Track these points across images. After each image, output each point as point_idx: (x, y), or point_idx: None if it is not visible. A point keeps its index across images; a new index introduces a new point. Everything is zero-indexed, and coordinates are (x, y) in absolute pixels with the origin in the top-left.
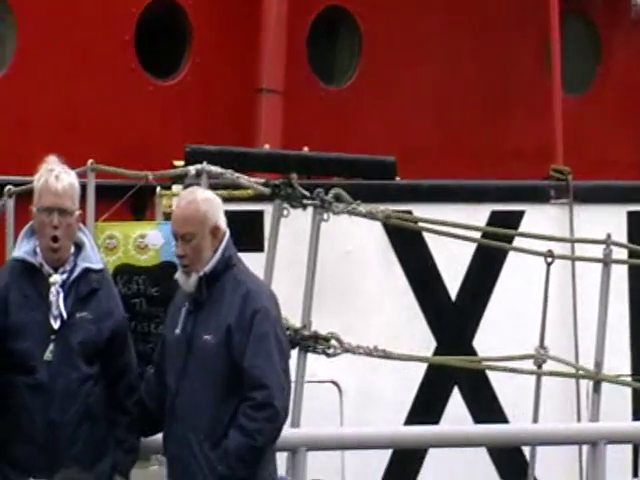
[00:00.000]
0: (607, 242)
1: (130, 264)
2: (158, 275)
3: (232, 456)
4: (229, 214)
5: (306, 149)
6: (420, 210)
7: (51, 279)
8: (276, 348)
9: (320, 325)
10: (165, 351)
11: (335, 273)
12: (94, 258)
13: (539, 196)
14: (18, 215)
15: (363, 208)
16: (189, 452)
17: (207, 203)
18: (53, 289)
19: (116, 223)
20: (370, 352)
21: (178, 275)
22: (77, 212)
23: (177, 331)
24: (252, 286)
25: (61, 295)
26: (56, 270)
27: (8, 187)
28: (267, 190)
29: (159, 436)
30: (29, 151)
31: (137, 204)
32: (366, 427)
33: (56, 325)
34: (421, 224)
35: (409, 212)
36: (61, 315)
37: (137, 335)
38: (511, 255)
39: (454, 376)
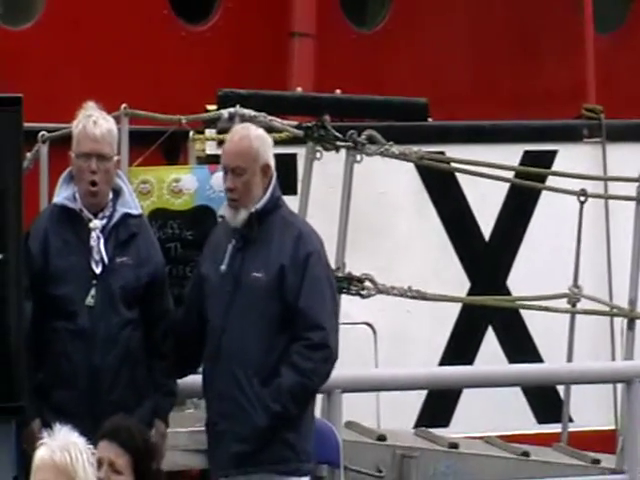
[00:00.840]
0: None
1: (164, 208)
2: (193, 219)
3: (286, 395)
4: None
5: (338, 92)
6: (452, 151)
7: (91, 224)
8: (329, 290)
9: (354, 267)
10: (204, 289)
11: (368, 215)
12: (132, 204)
13: (572, 135)
14: (52, 161)
15: (396, 149)
16: (238, 389)
17: (260, 140)
18: (94, 234)
19: (150, 168)
20: (404, 293)
21: (224, 210)
22: (115, 157)
23: (223, 267)
24: (303, 228)
25: (101, 240)
26: (95, 216)
27: (42, 133)
28: (300, 132)
29: (194, 379)
30: (62, 98)
31: (170, 149)
32: (401, 368)
33: (97, 270)
34: (454, 165)
35: (441, 153)
36: (102, 260)
37: (172, 279)
38: (544, 194)
39: (488, 316)
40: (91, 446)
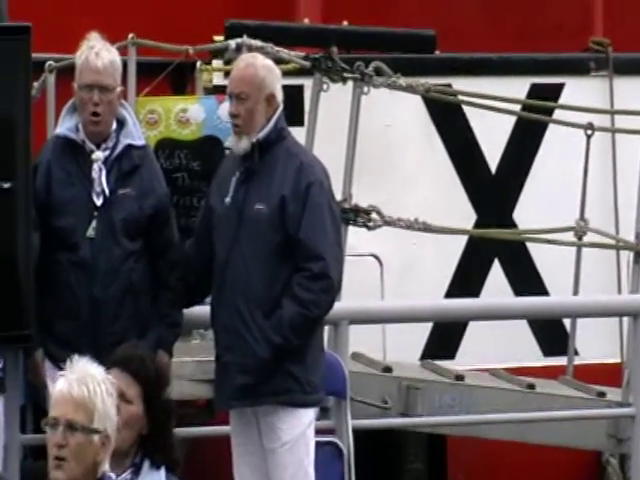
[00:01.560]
0: None
1: (171, 138)
2: (200, 149)
3: (287, 326)
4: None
5: (346, 23)
6: (459, 83)
7: (93, 155)
8: (330, 220)
9: (360, 198)
10: (212, 221)
11: (375, 147)
12: (136, 134)
13: (579, 68)
14: (59, 91)
15: (403, 81)
16: (241, 321)
17: (266, 69)
18: (95, 166)
19: (157, 98)
20: (411, 225)
21: (230, 140)
22: (118, 88)
23: (227, 200)
24: (305, 159)
25: (103, 172)
26: (98, 147)
27: (48, 63)
28: (307, 64)
29: (200, 310)
30: (70, 27)
31: (177, 79)
32: (407, 300)
33: (99, 202)
34: (461, 97)
35: (449, 85)
36: (103, 192)
37: (179, 210)
38: (551, 127)
39: (494, 249)
40: (110, 376)
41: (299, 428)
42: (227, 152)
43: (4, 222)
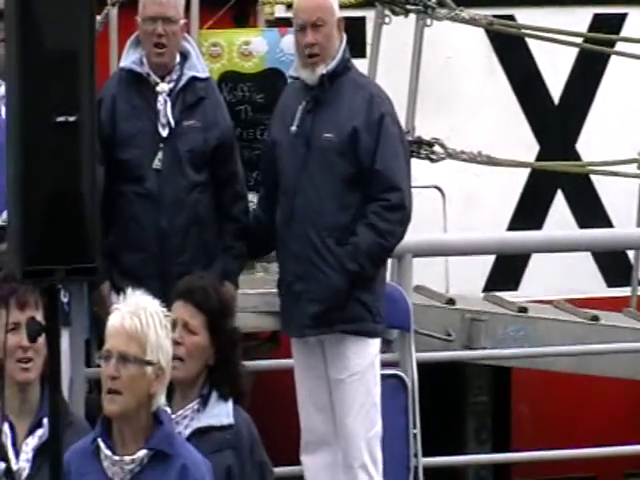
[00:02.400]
0: None
1: (234, 71)
2: (263, 82)
3: (363, 254)
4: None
5: None
6: (521, 14)
7: (158, 88)
8: (403, 152)
9: (423, 131)
10: (277, 152)
11: (438, 79)
12: (200, 67)
13: None
14: (121, 25)
15: (466, 14)
16: (313, 249)
17: None
18: (160, 98)
19: (220, 30)
20: (474, 158)
21: (296, 71)
22: (181, 20)
23: (293, 128)
24: (374, 90)
25: (169, 104)
26: (162, 79)
27: None
28: None
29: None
30: None
31: (240, 11)
32: (470, 233)
33: (164, 133)
34: (524, 30)
35: (511, 16)
36: (169, 123)
37: (242, 142)
38: (614, 58)
39: (558, 180)
40: (165, 309)
41: (368, 358)
42: (290, 82)
43: (69, 155)
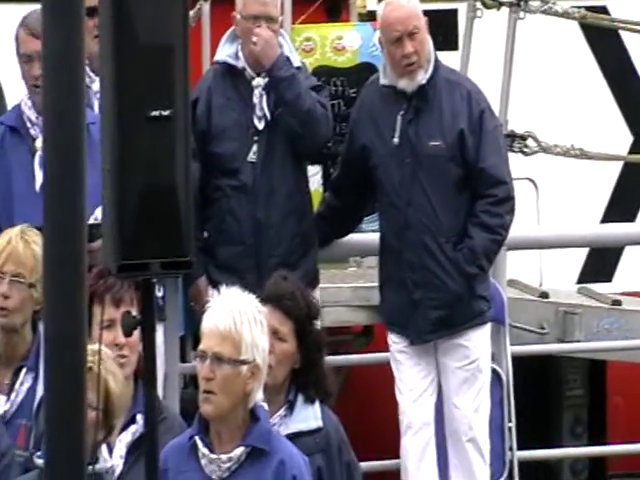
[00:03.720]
0: None
1: (328, 65)
2: (356, 76)
3: (481, 255)
4: (423, 13)
5: None
6: (615, 5)
7: (254, 82)
8: (503, 142)
9: (516, 124)
10: (373, 160)
11: (531, 72)
12: (292, 57)
13: None
14: (214, 19)
15: (559, 7)
16: (430, 258)
17: None
18: (256, 91)
19: (313, 25)
20: (567, 151)
21: (393, 81)
22: (280, 18)
23: (395, 140)
24: (469, 85)
25: (264, 97)
26: (258, 74)
27: None
28: None
29: (356, 238)
30: None
31: (332, 6)
32: (564, 226)
33: (260, 126)
34: (617, 23)
35: (604, 8)
36: (265, 116)
37: (335, 136)
38: None
39: None
40: (259, 304)
41: (485, 342)
42: (370, 84)
43: (164, 149)
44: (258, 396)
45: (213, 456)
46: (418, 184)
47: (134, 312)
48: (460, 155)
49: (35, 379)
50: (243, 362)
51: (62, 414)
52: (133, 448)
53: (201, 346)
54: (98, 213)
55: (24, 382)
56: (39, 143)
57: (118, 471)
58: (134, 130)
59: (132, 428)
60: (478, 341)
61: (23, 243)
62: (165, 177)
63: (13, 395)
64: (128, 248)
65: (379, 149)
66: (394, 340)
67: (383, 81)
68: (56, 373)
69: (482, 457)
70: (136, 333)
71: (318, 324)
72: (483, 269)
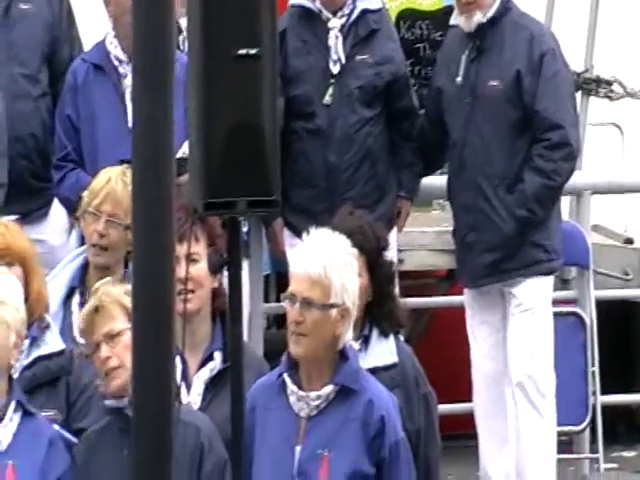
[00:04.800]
0: None
1: (413, 9)
2: (441, 20)
3: (531, 199)
4: None
5: None
6: None
7: (330, 23)
8: (566, 88)
9: (602, 69)
10: (443, 101)
11: (617, 17)
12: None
13: None
14: None
15: None
16: (484, 199)
17: None
18: (332, 33)
19: None
20: None
21: (455, 19)
22: None
23: (458, 80)
24: (534, 28)
25: (340, 39)
26: (334, 15)
27: None
28: None
29: (440, 180)
30: None
31: None
32: None
33: (335, 70)
34: None
35: None
36: (340, 59)
37: (420, 80)
38: None
39: None
40: (348, 244)
41: (543, 295)
42: (451, 28)
43: (251, 88)
44: (347, 337)
45: (302, 394)
46: (474, 124)
47: (198, 248)
48: (517, 97)
49: None
50: (332, 306)
51: (149, 349)
52: (211, 385)
53: (290, 289)
54: (185, 148)
55: None
56: (128, 80)
57: (195, 407)
58: (221, 69)
59: (210, 365)
60: (533, 291)
61: (122, 184)
62: (251, 116)
63: None
64: (214, 187)
65: (448, 90)
66: (466, 295)
67: (453, 21)
68: (144, 309)
69: (543, 397)
70: (200, 267)
71: (387, 256)
72: (534, 213)
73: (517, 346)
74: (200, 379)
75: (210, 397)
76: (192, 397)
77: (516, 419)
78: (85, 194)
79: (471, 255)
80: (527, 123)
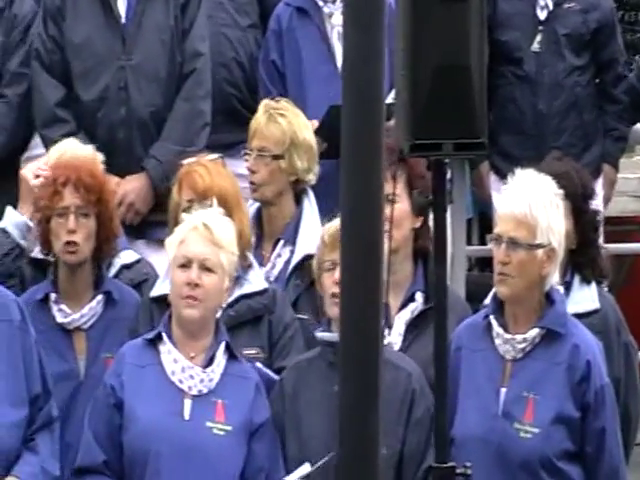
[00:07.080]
0: None
1: None
2: None
3: None
4: None
5: None
6: None
7: None
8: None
9: None
10: None
11: None
12: None
13: None
14: None
15: None
16: None
17: None
18: None
19: None
20: None
21: None
22: None
23: None
24: None
25: None
26: None
27: None
28: None
29: None
30: None
31: None
32: None
33: (542, 16)
34: None
35: None
36: (547, 6)
37: (624, 25)
38: None
39: None
40: (554, 185)
41: None
42: None
43: (458, 30)
44: (554, 279)
45: (508, 336)
46: None
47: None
48: None
49: (292, 252)
50: (539, 246)
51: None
52: (412, 326)
53: (496, 230)
54: (392, 94)
55: (281, 254)
56: (335, 19)
57: (396, 348)
58: (429, 11)
59: (411, 306)
60: None
61: (266, 117)
62: (459, 57)
63: (269, 266)
64: (421, 128)
65: None
66: None
67: None
68: (354, 245)
69: None
70: (398, 208)
71: (594, 204)
72: None
73: None
74: (401, 320)
75: (411, 338)
76: (393, 337)
77: None
78: None
79: None
80: None
